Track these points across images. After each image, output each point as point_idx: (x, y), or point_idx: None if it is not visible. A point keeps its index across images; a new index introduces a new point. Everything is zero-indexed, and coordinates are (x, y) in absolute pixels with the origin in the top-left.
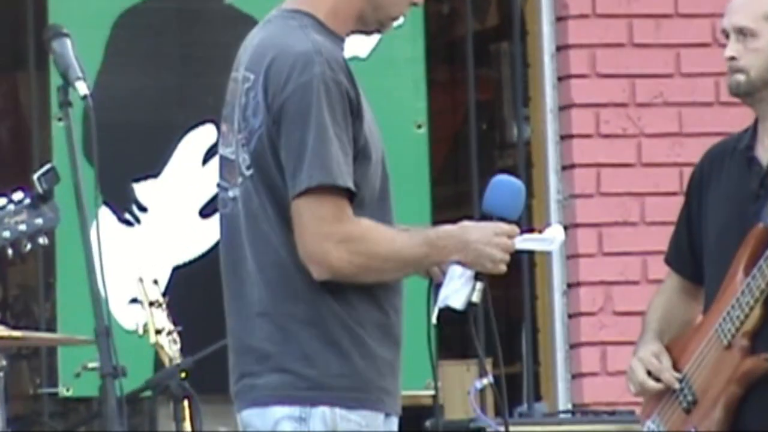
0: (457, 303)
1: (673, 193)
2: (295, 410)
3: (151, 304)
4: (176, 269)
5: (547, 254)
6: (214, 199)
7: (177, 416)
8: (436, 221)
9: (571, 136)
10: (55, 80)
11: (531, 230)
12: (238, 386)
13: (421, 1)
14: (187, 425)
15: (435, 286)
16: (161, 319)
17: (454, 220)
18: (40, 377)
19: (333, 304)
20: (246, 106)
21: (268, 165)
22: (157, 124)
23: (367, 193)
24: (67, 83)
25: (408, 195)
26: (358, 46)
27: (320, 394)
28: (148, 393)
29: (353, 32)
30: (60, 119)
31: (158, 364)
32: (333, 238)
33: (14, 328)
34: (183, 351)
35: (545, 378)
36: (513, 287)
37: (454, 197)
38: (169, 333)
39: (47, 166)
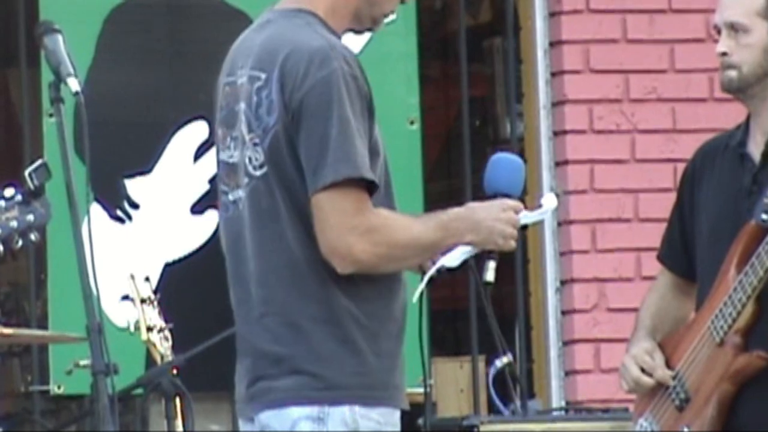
0: (452, 262)
1: (667, 190)
2: (313, 410)
3: (143, 301)
4: (168, 266)
5: (540, 250)
6: (205, 195)
7: (168, 414)
8: None
9: (565, 132)
10: (47, 76)
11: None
12: (253, 389)
13: None
14: (179, 423)
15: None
16: (153, 316)
17: None
18: (32, 375)
19: (346, 301)
20: (259, 104)
21: (284, 162)
22: (148, 120)
23: (378, 189)
24: (58, 79)
25: (401, 191)
26: (350, 42)
27: (338, 394)
28: (139, 390)
29: (347, 31)
30: (51, 115)
31: (150, 361)
32: (356, 230)
33: (5, 325)
34: (174, 348)
35: (539, 375)
36: (506, 284)
37: (447, 193)
38: (161, 330)
39: (38, 162)
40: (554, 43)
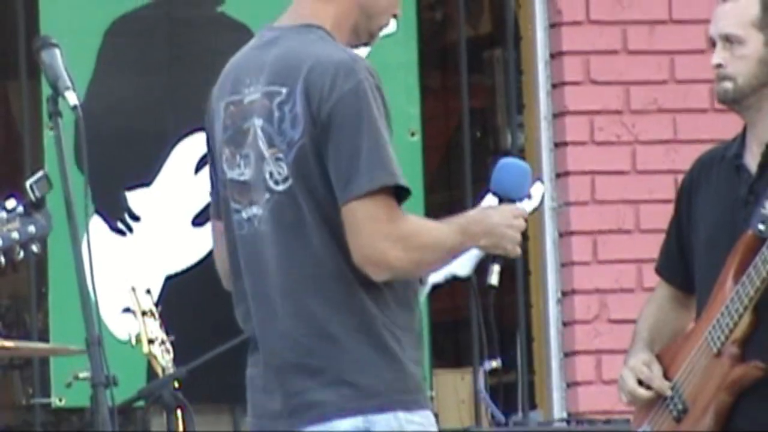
0: (462, 270)
1: (669, 201)
2: (358, 420)
3: (144, 313)
4: (169, 278)
5: (542, 261)
6: (206, 207)
7: (170, 426)
8: None
9: (566, 144)
10: (47, 89)
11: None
12: (291, 405)
13: (400, 13)
14: None
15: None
16: (154, 328)
17: None
18: (33, 387)
19: (375, 309)
20: (282, 119)
21: (311, 174)
22: (149, 132)
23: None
24: (56, 93)
25: None
26: None
27: (381, 401)
28: (140, 403)
29: (346, 46)
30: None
31: (151, 373)
32: (390, 237)
33: (6, 337)
34: (176, 361)
35: (540, 386)
36: (507, 295)
37: (447, 205)
38: (162, 342)
39: (39, 173)
40: (555, 54)
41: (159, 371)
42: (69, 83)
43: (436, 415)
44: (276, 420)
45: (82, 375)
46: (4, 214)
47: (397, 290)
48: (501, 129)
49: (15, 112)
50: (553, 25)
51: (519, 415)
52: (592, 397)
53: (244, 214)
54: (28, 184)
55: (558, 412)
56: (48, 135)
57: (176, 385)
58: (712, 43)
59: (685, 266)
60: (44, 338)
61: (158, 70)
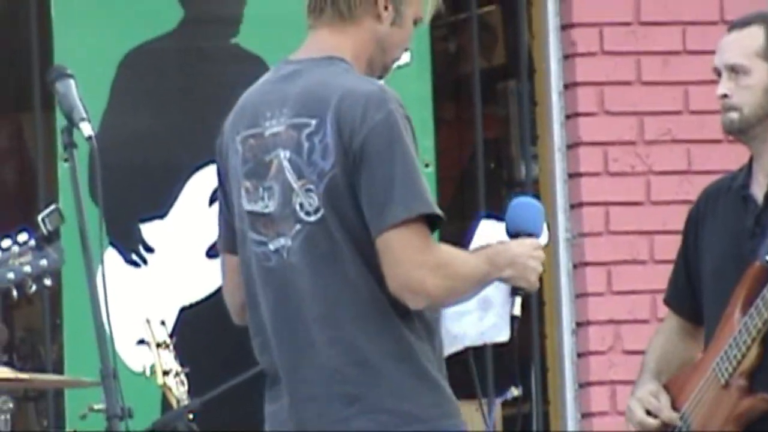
0: (503, 336)
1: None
2: None
3: (158, 345)
4: (183, 310)
5: (556, 292)
6: None
7: None
8: None
9: (580, 175)
10: (61, 121)
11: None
12: None
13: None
14: None
15: None
16: (168, 360)
17: None
18: (47, 419)
19: (411, 336)
20: (311, 150)
21: (343, 204)
22: (163, 164)
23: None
24: (71, 124)
25: None
26: None
27: (421, 427)
28: None
29: None
30: (66, 160)
31: (165, 405)
32: (426, 265)
33: (21, 370)
34: (190, 392)
35: (555, 417)
36: (522, 326)
37: (461, 236)
38: (177, 374)
39: (51, 207)
40: (569, 85)
41: (174, 403)
42: (84, 114)
43: None
44: None
45: (96, 407)
46: (16, 248)
47: (424, 319)
48: (515, 160)
49: (29, 144)
50: (567, 57)
51: None
52: (607, 428)
53: (271, 246)
54: (40, 217)
55: None
56: (62, 167)
57: (191, 416)
58: (718, 74)
59: (693, 297)
60: (59, 370)
61: (172, 102)
